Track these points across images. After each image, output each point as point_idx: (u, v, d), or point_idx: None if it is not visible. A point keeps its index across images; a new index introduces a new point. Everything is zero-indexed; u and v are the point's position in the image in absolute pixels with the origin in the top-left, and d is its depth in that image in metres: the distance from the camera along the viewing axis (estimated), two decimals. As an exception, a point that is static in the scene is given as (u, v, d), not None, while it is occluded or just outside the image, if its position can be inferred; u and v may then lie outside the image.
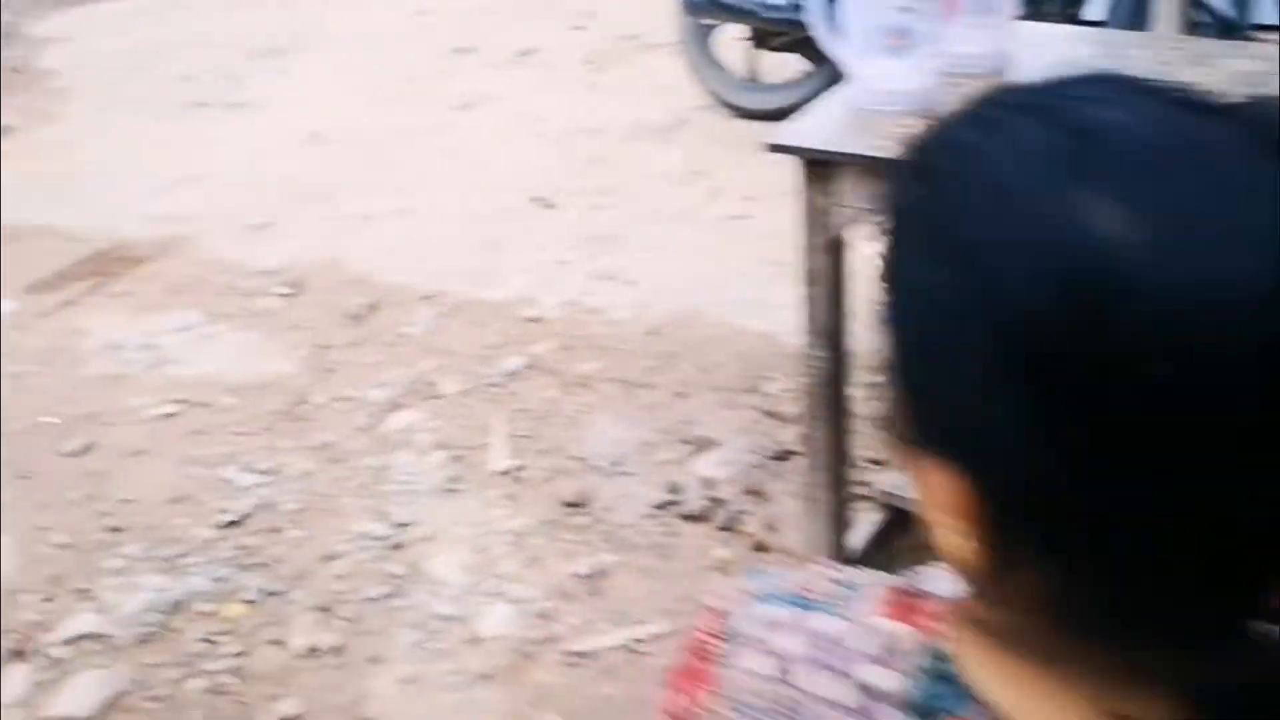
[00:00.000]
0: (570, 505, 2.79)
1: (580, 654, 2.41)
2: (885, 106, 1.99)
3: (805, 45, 4.66)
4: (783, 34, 4.69)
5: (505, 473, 2.93)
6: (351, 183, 4.63)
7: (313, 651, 2.45)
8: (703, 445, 2.97)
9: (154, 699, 2.38)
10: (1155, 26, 3.64)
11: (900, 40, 1.92)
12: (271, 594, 2.61)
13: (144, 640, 2.50)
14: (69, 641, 2.51)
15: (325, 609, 2.56)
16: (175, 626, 2.53)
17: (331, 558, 2.70)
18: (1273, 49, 2.21)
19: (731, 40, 5.07)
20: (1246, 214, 0.49)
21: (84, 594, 2.65)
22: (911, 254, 0.56)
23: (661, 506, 2.77)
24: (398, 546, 2.72)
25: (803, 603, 0.66)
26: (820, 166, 1.92)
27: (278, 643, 2.48)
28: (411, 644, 2.46)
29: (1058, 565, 0.53)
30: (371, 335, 3.62)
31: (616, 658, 2.40)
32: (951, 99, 0.60)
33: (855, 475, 2.41)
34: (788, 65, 5.07)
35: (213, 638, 2.50)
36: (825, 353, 2.06)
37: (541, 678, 2.38)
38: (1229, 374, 0.47)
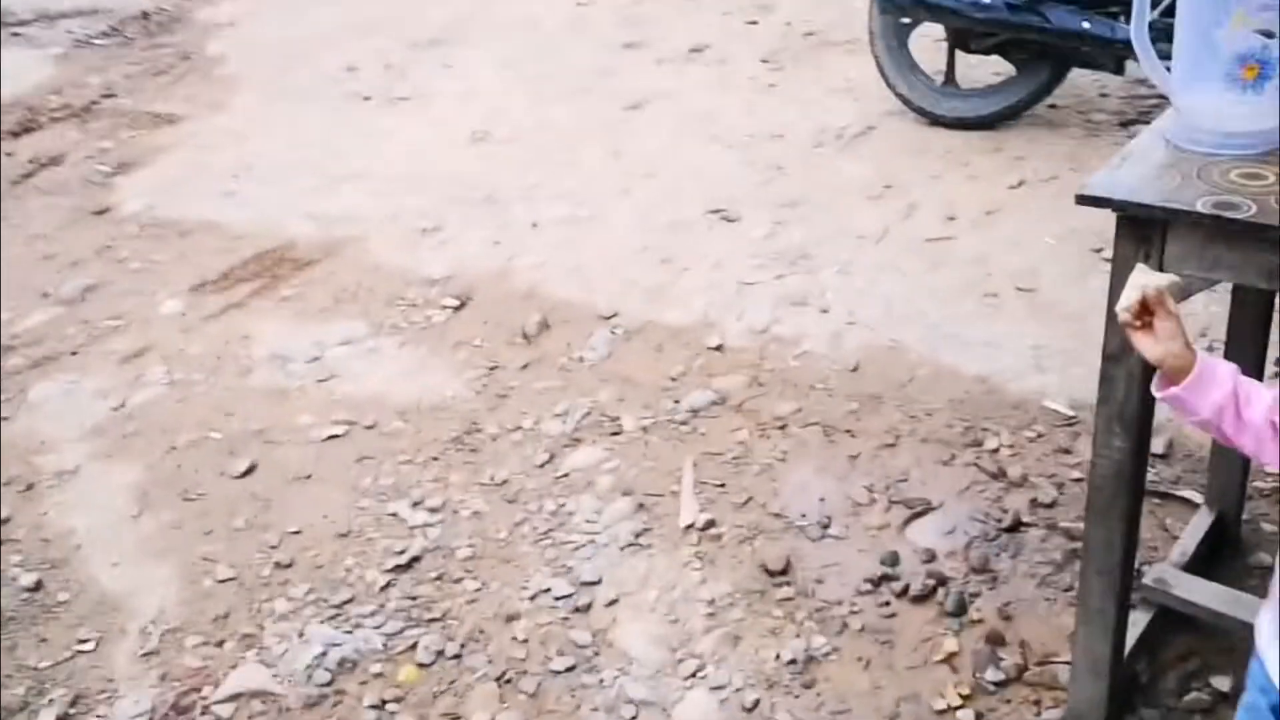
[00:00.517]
0: (772, 573, 2.50)
1: (792, 755, 2.12)
2: (1222, 150, 1.64)
3: (1010, 47, 4.30)
4: (988, 35, 4.31)
5: (697, 528, 2.66)
6: (518, 185, 4.41)
7: (492, 729, 2.22)
8: (919, 508, 2.65)
9: (322, 773, 2.18)
10: None
11: (1253, 71, 1.57)
12: (447, 656, 2.38)
13: (313, 704, 2.29)
14: (233, 698, 2.32)
15: (505, 679, 2.31)
16: (346, 689, 2.32)
17: (510, 617, 2.46)
18: None
19: (928, 41, 4.71)
20: None
21: (250, 641, 2.46)
22: None
23: (877, 581, 2.46)
24: (582, 609, 2.47)
25: None
26: (1140, 224, 1.58)
27: (454, 717, 2.24)
28: (601, 728, 2.20)
29: None
30: (544, 357, 3.38)
31: (833, 764, 2.11)
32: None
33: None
34: (987, 69, 4.69)
35: (385, 704, 2.28)
36: (1124, 443, 1.72)
37: (748, 780, 2.10)
38: None
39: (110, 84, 5.70)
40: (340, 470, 2.96)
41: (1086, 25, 4.03)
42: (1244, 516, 2.48)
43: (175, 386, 3.33)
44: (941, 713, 2.16)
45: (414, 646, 2.41)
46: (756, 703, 2.20)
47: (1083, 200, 1.61)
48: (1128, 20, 4.04)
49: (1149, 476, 2.63)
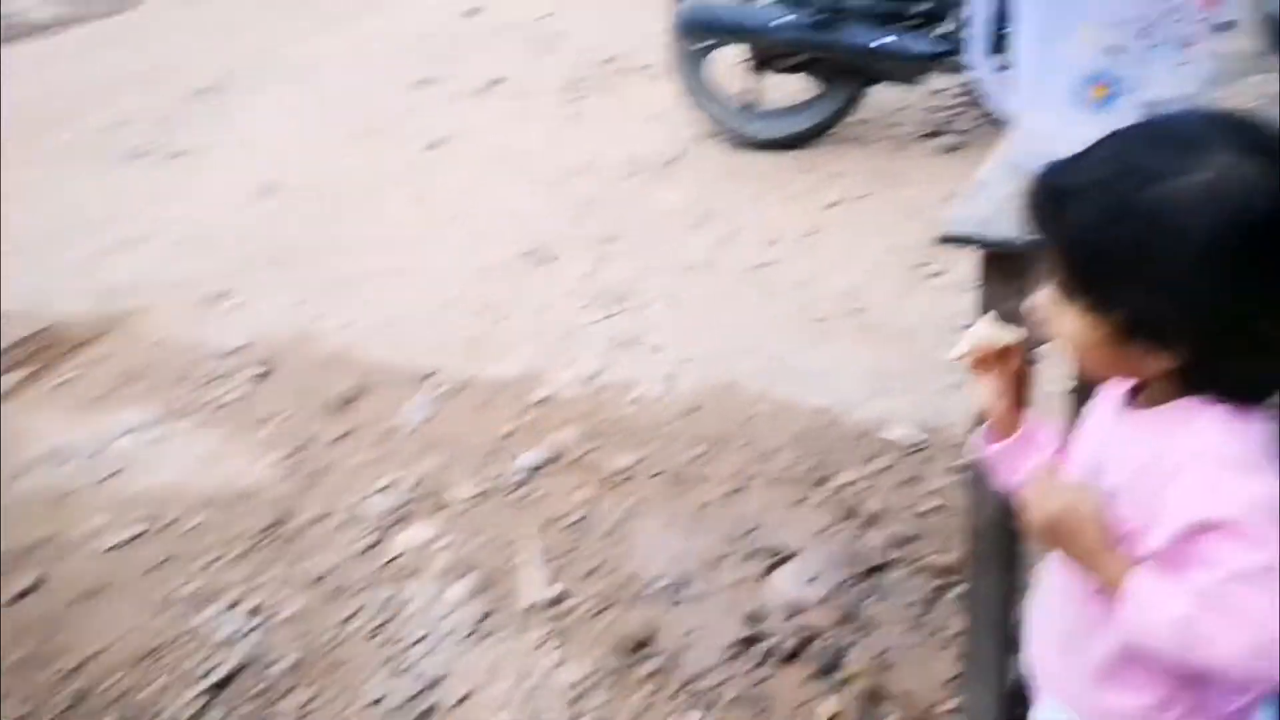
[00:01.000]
0: (634, 646, 2.31)
1: None
2: (1076, 174, 1.53)
3: (812, 66, 4.25)
4: (789, 54, 4.26)
5: (547, 603, 2.45)
6: (316, 240, 4.12)
7: None
8: (778, 557, 2.50)
9: None
10: None
11: (1103, 91, 1.47)
12: (278, 788, 2.10)
13: None
14: None
15: (348, 807, 2.06)
16: (160, 844, 2.02)
17: (347, 732, 2.20)
18: None
19: (730, 62, 4.64)
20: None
21: (42, 797, 2.13)
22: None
23: (745, 643, 2.29)
24: (429, 711, 2.23)
25: None
26: (1006, 260, 1.46)
27: None
28: None
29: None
30: (360, 426, 3.11)
31: None
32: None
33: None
34: (792, 88, 4.65)
35: None
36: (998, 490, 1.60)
37: None
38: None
39: None
40: (139, 578, 2.63)
41: (887, 41, 4.01)
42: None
43: (-64, 500, 2.93)
44: (829, 783, 2.01)
45: (239, 780, 2.12)
46: (633, 800, 2.01)
47: (947, 240, 1.48)
48: (925, 35, 4.08)
49: (1004, 499, 2.58)
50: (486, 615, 2.43)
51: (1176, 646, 1.04)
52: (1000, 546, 1.67)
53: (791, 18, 4.07)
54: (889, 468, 2.74)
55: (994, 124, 4.38)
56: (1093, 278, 1.07)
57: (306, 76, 5.67)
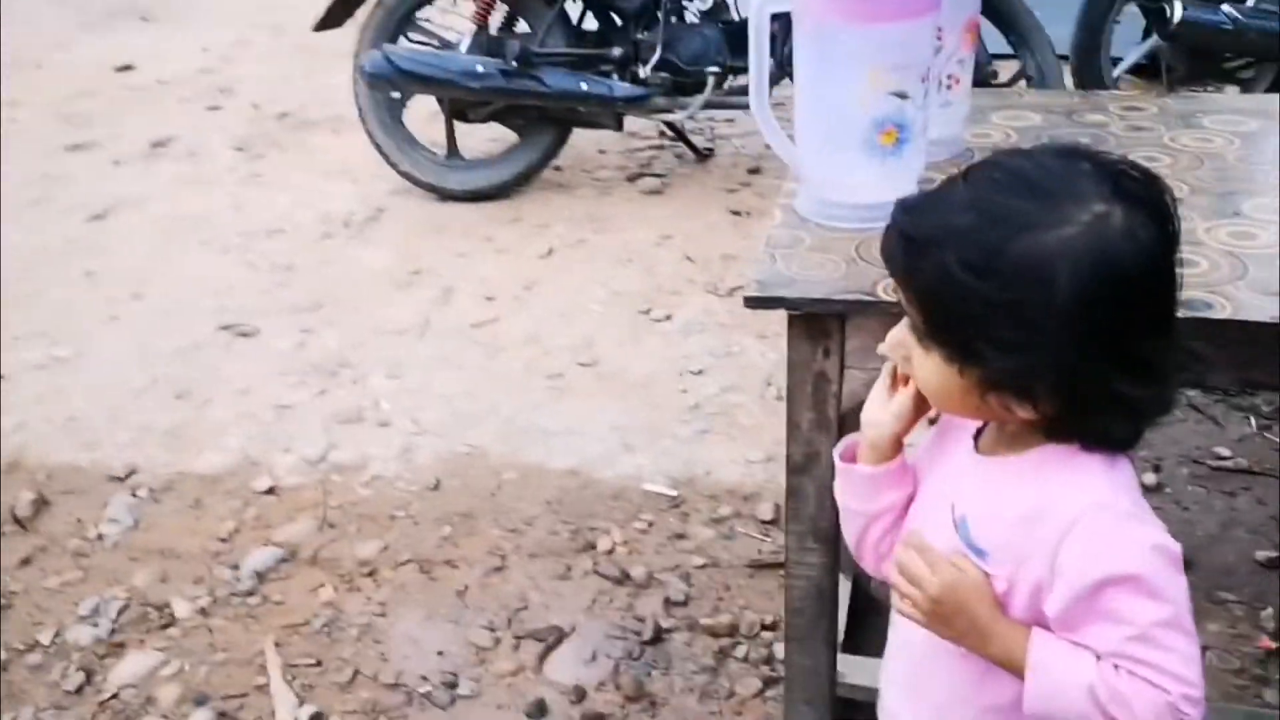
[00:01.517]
0: (410, 763, 2.09)
1: None
2: (869, 224, 1.49)
3: (510, 114, 4.16)
4: (486, 103, 4.13)
5: (302, 727, 2.18)
6: (-32, 329, 3.60)
7: None
8: (550, 639, 2.34)
9: None
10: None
11: (891, 136, 1.43)
12: None
13: None
14: None
15: None
16: None
17: None
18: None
19: (424, 112, 4.46)
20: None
21: None
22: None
23: (531, 740, 2.13)
24: None
25: None
26: (816, 320, 1.39)
27: None
28: None
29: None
30: (51, 543, 2.71)
31: None
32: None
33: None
34: (486, 136, 4.53)
35: None
36: (820, 558, 1.52)
37: None
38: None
39: None
40: None
41: (585, 86, 3.96)
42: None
43: None
44: None
45: None
46: None
47: (753, 303, 1.39)
48: (622, 79, 4.06)
49: (768, 547, 2.54)
50: (233, 750, 2.14)
51: (1092, 712, 1.01)
52: (820, 620, 1.59)
53: (487, 65, 3.94)
54: (650, 526, 2.64)
55: (692, 164, 4.44)
56: (953, 329, 1.02)
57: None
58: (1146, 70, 4.52)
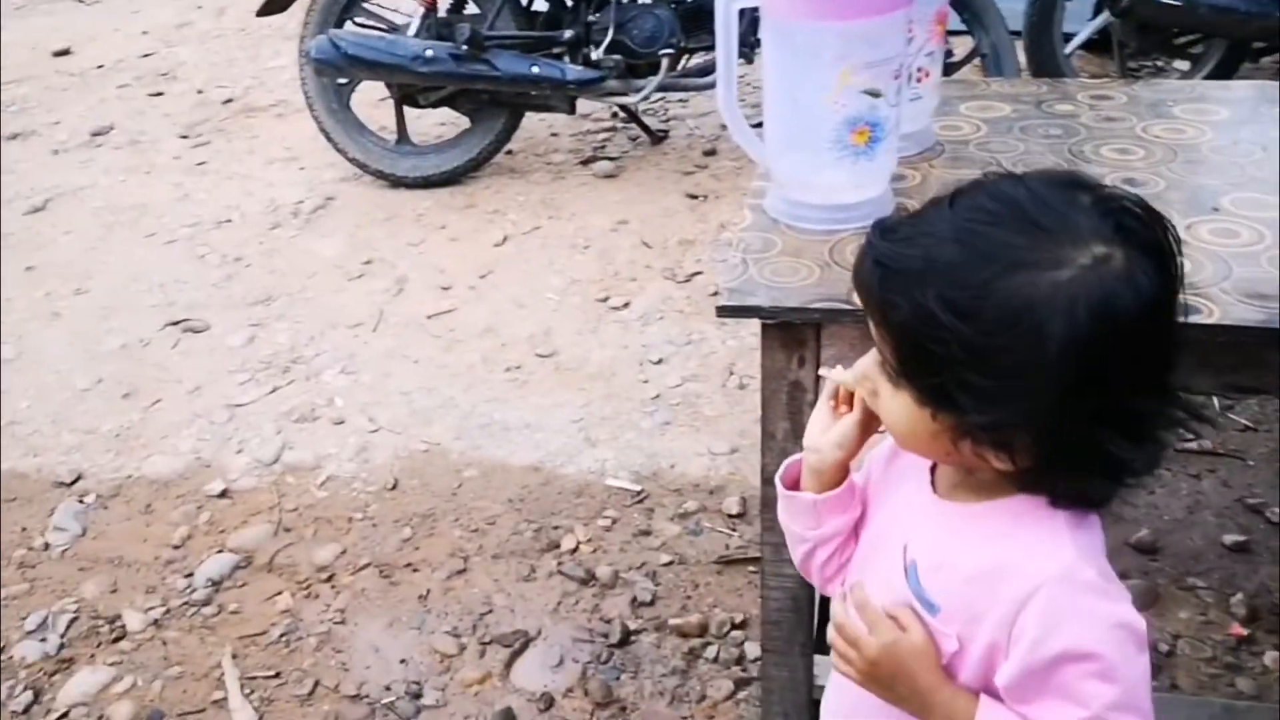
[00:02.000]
0: (375, 778, 2.03)
1: None
2: (841, 226, 1.44)
3: (460, 98, 4.07)
4: (435, 88, 4.04)
5: (262, 742, 2.12)
6: (-97, 330, 3.48)
7: None
8: (517, 644, 2.29)
9: None
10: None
11: (864, 135, 1.38)
12: None
13: None
14: None
15: None
16: None
17: None
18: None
19: (372, 98, 4.36)
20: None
21: None
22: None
23: (499, 751, 2.08)
24: None
25: None
26: (789, 330, 1.34)
27: None
28: None
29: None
30: (-7, 555, 2.62)
31: None
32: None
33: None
34: (437, 120, 4.44)
35: None
36: (794, 569, 1.48)
37: None
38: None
39: None
40: None
41: (536, 70, 3.88)
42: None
43: None
44: None
45: None
46: None
47: (726, 312, 1.34)
48: (574, 61, 3.98)
49: (735, 542, 2.50)
50: (191, 769, 2.08)
51: None
52: (797, 631, 1.55)
53: (437, 49, 3.85)
54: (614, 523, 2.59)
55: (647, 146, 4.37)
56: (928, 372, 0.92)
57: None
58: (1098, 46, 4.51)
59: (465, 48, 3.84)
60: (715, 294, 3.35)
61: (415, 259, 3.74)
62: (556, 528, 2.59)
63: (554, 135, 4.57)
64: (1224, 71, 4.18)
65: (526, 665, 2.25)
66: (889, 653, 1.01)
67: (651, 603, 2.37)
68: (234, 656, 2.30)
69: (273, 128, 4.78)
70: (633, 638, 2.28)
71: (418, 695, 2.19)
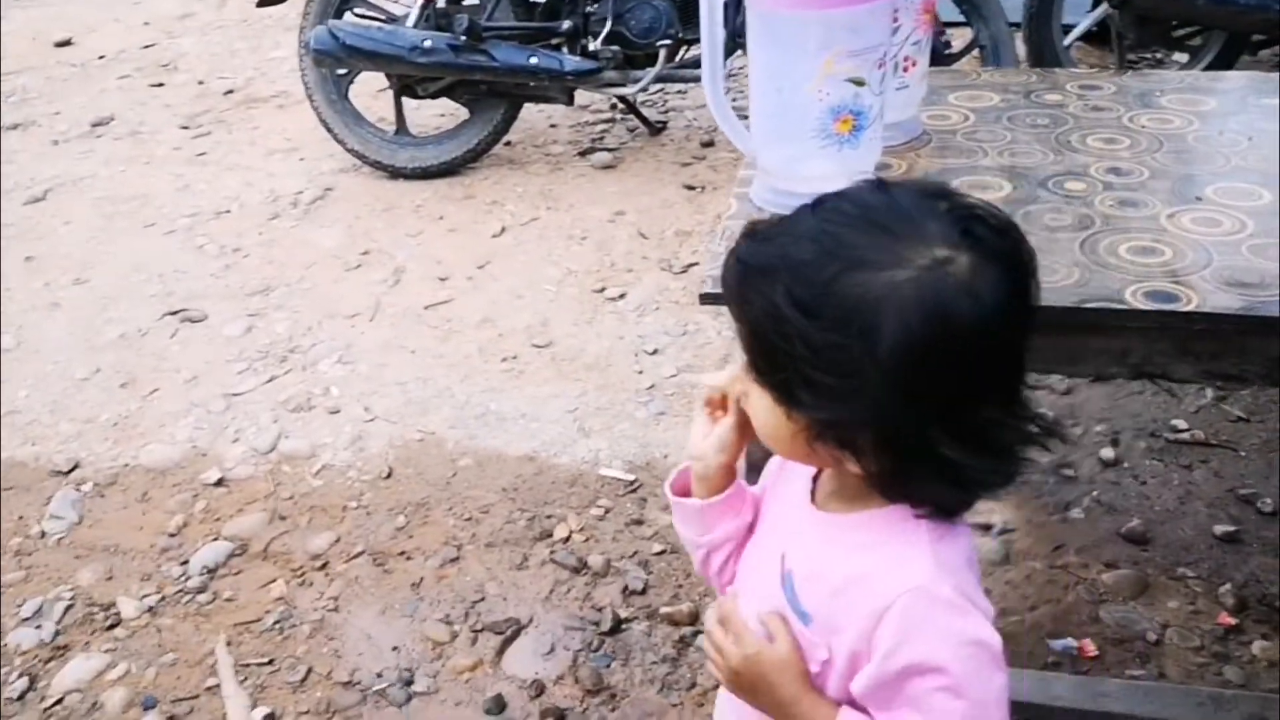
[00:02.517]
0: (366, 764, 2.05)
1: None
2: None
3: (459, 89, 4.08)
4: (434, 79, 4.05)
5: (255, 728, 2.13)
6: (-97, 319, 3.50)
7: None
8: (508, 631, 2.30)
9: None
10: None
11: (848, 124, 1.39)
12: None
13: None
14: None
15: None
16: None
17: None
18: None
19: (371, 88, 4.37)
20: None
21: None
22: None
23: (491, 738, 2.09)
24: None
25: None
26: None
27: None
28: None
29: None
30: (-10, 542, 2.63)
31: None
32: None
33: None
34: (435, 111, 4.44)
35: None
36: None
37: None
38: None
39: None
40: None
41: (535, 60, 3.89)
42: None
43: None
44: None
45: None
46: None
47: (709, 300, 1.36)
48: (572, 52, 3.99)
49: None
50: (185, 755, 2.09)
51: None
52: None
53: (435, 40, 3.85)
54: (607, 512, 2.60)
55: (645, 137, 4.38)
56: (776, 368, 0.93)
57: None
58: (1097, 38, 4.50)
59: (464, 38, 3.85)
60: (711, 284, 3.38)
61: (413, 249, 3.75)
62: (550, 517, 2.60)
63: (552, 126, 4.58)
64: (1223, 64, 4.18)
65: (518, 652, 2.26)
66: (751, 663, 1.03)
67: (643, 591, 2.38)
68: (228, 643, 2.32)
69: (273, 119, 4.79)
70: (624, 626, 2.30)
71: (409, 682, 2.20)
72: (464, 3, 4.07)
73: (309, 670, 2.25)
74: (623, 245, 3.68)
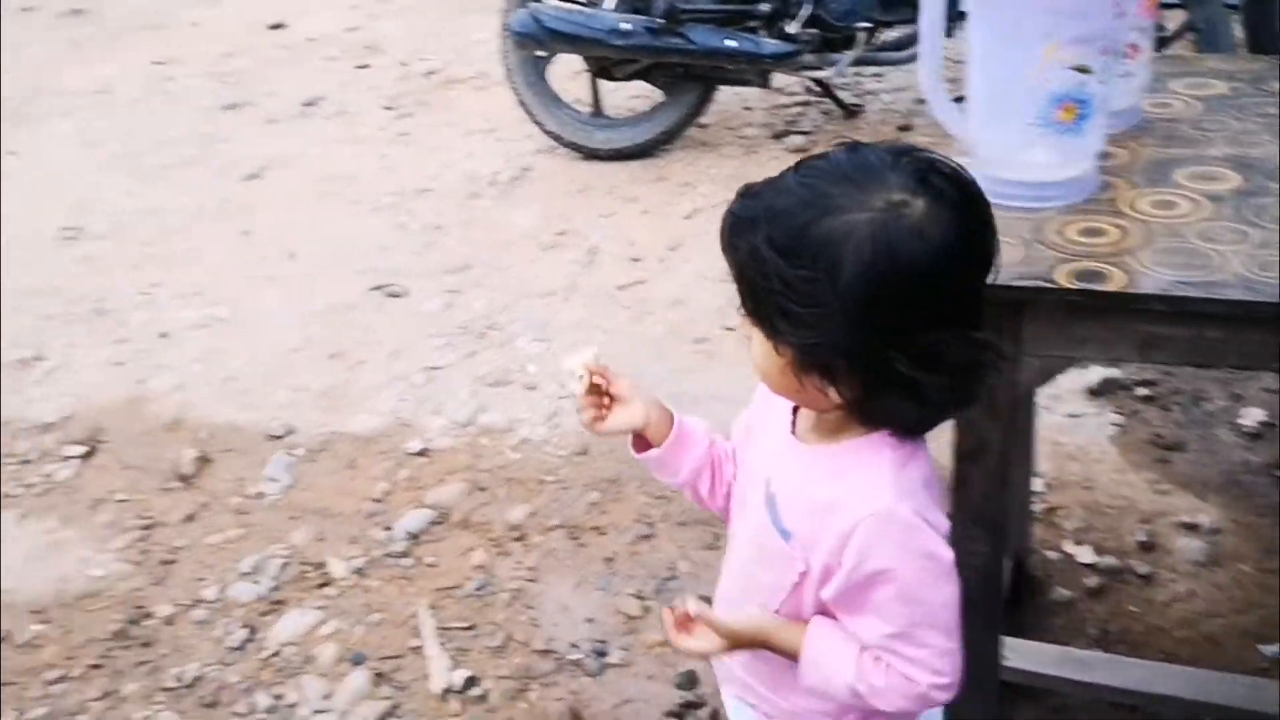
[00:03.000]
0: (563, 732, 2.11)
1: None
2: (1044, 203, 1.42)
3: (655, 72, 4.10)
4: (631, 61, 4.09)
5: (456, 690, 2.22)
6: (132, 289, 3.75)
7: None
8: (699, 609, 2.33)
9: None
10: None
11: (1072, 112, 1.35)
12: None
13: None
14: None
15: None
16: None
17: None
18: None
19: (568, 71, 4.44)
20: None
21: None
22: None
23: (682, 710, 2.12)
24: (339, 835, 1.98)
25: None
26: (992, 306, 1.32)
27: None
28: None
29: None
30: (212, 500, 2.81)
31: None
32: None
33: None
34: (628, 94, 4.49)
35: None
36: (985, 546, 1.47)
37: None
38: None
39: None
40: (-28, 709, 2.29)
41: (731, 43, 3.89)
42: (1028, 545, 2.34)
43: None
44: None
45: None
46: None
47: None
48: (769, 35, 3.97)
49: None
50: (390, 712, 2.19)
51: (852, 700, 1.15)
52: (982, 605, 1.54)
53: (634, 23, 3.90)
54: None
55: (840, 120, 4.33)
56: (760, 306, 1.07)
57: (99, 104, 5.20)
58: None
59: (661, 21, 3.88)
60: (906, 270, 3.33)
61: (607, 230, 3.81)
62: (740, 499, 2.61)
63: (746, 109, 4.57)
64: None
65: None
66: (737, 637, 1.21)
67: (834, 577, 2.37)
68: (430, 607, 2.41)
69: (472, 100, 4.92)
70: (814, 611, 2.29)
71: (603, 653, 2.26)
72: (662, -15, 4.09)
73: (508, 637, 2.33)
74: (814, 229, 3.65)
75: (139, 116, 5.05)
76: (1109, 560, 2.35)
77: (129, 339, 3.48)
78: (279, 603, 2.48)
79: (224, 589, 2.52)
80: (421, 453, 2.88)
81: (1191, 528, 2.42)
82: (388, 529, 2.64)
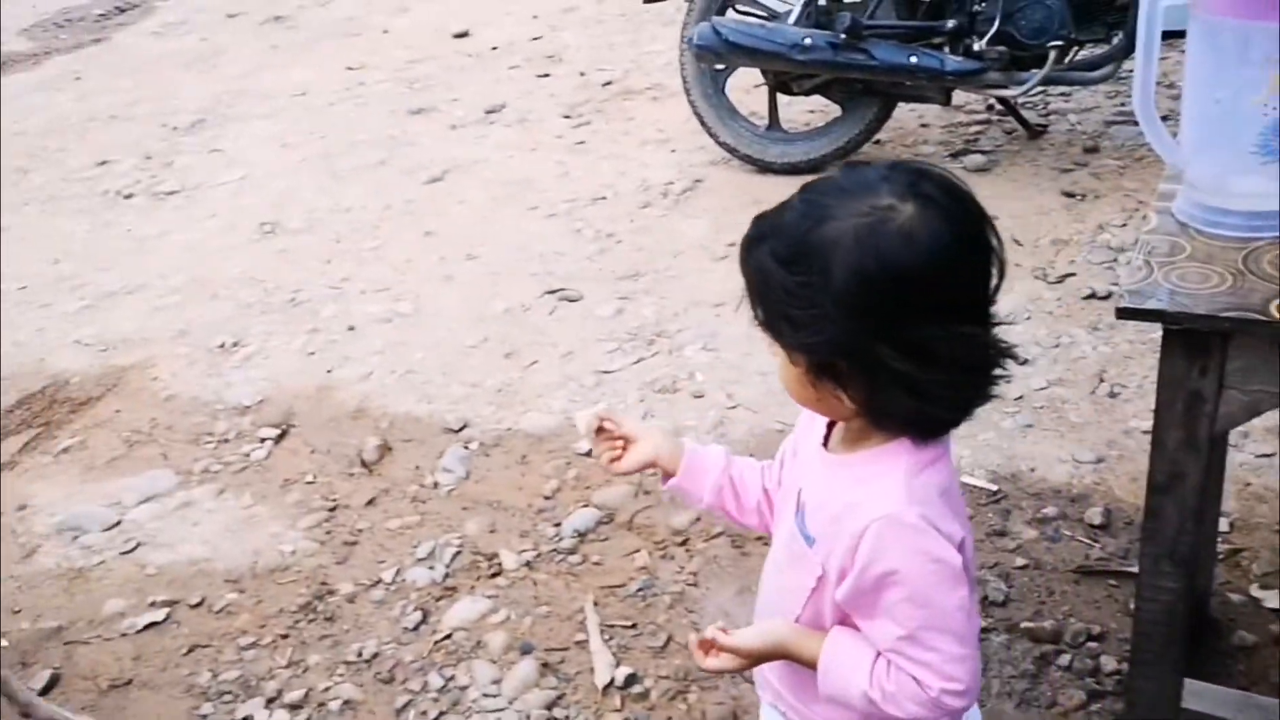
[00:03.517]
0: (723, 735, 2.13)
1: None
2: (1258, 233, 1.38)
3: (834, 86, 4.10)
4: (810, 75, 4.10)
5: (618, 686, 2.27)
6: (323, 282, 3.93)
7: None
8: (863, 625, 2.33)
9: None
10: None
11: (1293, 141, 1.32)
12: None
13: None
14: None
15: None
16: None
17: (418, 843, 2.01)
18: None
19: (746, 84, 4.48)
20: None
21: None
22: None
23: None
24: (504, 817, 2.04)
25: None
26: (1196, 337, 1.30)
27: None
28: None
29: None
30: (392, 486, 2.93)
31: None
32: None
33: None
34: (803, 108, 4.50)
35: None
36: (1175, 583, 1.44)
37: None
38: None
39: None
40: (167, 668, 2.44)
41: (914, 60, 3.86)
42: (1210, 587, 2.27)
43: (-61, 584, 2.72)
44: None
45: None
46: None
47: (1126, 314, 1.32)
48: (954, 51, 3.93)
49: (1096, 554, 2.43)
50: (555, 701, 2.25)
51: (868, 708, 1.18)
52: (1170, 646, 1.51)
53: (815, 38, 3.91)
54: (970, 518, 2.57)
55: (1023, 140, 4.26)
56: (769, 315, 1.12)
57: (295, 107, 5.47)
58: None
59: (844, 36, 3.88)
60: (1089, 297, 3.26)
61: (778, 243, 3.82)
62: (907, 518, 2.59)
63: (924, 126, 4.54)
64: None
65: (871, 648, 2.28)
66: (761, 656, 1.29)
67: (1003, 604, 2.34)
68: (595, 604, 2.47)
69: (647, 110, 5.00)
70: (982, 635, 2.27)
71: (764, 663, 2.27)
72: (846, 0, 4.09)
73: (669, 638, 2.37)
74: (991, 250, 3.60)
75: (332, 119, 5.29)
76: (1296, 606, 2.26)
77: (320, 329, 3.65)
78: (451, 589, 2.57)
79: (401, 572, 2.63)
80: (589, 454, 2.95)
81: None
82: (556, 525, 2.71)
